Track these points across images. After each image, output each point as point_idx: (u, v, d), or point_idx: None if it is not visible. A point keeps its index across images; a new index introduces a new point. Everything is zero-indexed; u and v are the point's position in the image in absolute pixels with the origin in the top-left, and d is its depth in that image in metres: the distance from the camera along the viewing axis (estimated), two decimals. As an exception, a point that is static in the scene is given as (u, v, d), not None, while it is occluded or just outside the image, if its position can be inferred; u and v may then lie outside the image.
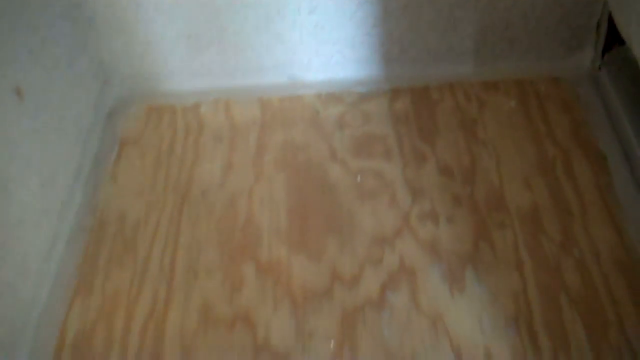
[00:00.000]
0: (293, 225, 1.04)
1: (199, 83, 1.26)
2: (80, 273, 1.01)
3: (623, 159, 1.06)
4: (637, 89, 1.10)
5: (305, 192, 1.08)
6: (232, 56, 1.22)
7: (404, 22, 1.17)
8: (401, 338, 0.90)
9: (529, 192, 1.04)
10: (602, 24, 1.15)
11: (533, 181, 1.05)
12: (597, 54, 1.18)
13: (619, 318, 0.89)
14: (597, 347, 0.86)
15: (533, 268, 0.95)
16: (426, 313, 0.92)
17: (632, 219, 0.99)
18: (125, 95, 1.26)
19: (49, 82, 1.04)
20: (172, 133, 1.20)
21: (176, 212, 1.08)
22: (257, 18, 1.17)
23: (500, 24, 1.17)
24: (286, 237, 1.02)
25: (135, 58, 1.22)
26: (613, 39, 1.14)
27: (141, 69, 1.24)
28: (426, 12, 1.16)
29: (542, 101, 1.17)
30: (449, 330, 0.90)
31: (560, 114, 1.15)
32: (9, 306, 0.90)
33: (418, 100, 1.20)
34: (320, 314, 0.93)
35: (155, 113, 1.24)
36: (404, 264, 0.97)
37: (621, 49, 1.14)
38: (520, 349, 0.87)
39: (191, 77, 1.26)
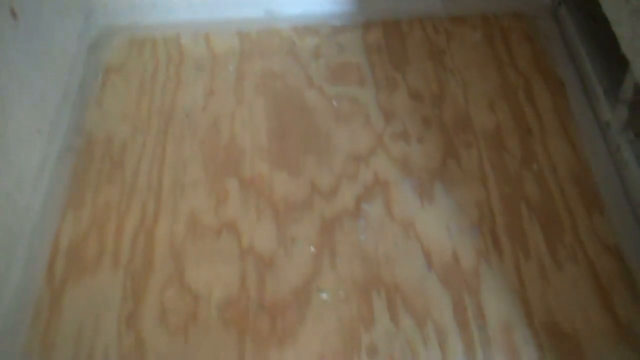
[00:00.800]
0: (273, 145, 1.10)
1: (179, 16, 1.31)
2: (71, 188, 1.06)
3: (579, 85, 1.15)
4: (593, 22, 1.17)
5: (284, 115, 1.14)
6: (211, -11, 1.28)
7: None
8: (376, 243, 0.98)
9: (492, 114, 1.12)
10: (562, -40, 1.23)
11: (496, 105, 1.13)
12: (557, -10, 1.27)
13: (573, 223, 0.98)
14: (553, 247, 0.95)
15: (496, 181, 1.03)
16: (399, 221, 1.00)
17: (586, 137, 1.08)
18: (108, 26, 1.30)
19: (39, 7, 1.08)
20: (154, 62, 1.25)
21: (161, 133, 1.13)
22: (237, -49, 1.22)
23: (468, -40, 1.24)
24: (267, 155, 1.09)
25: (118, -11, 1.26)
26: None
27: (124, 1, 1.28)
28: (398, -52, 1.23)
29: (505, 34, 1.25)
30: (419, 235, 0.98)
31: (522, 45, 1.23)
32: (7, 215, 0.96)
33: (389, 32, 1.27)
34: (301, 222, 1.01)
35: (137, 44, 1.28)
36: (378, 178, 1.05)
37: (579, -15, 1.21)
38: (484, 250, 0.96)
39: (171, 10, 1.30)
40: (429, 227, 0.99)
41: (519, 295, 0.91)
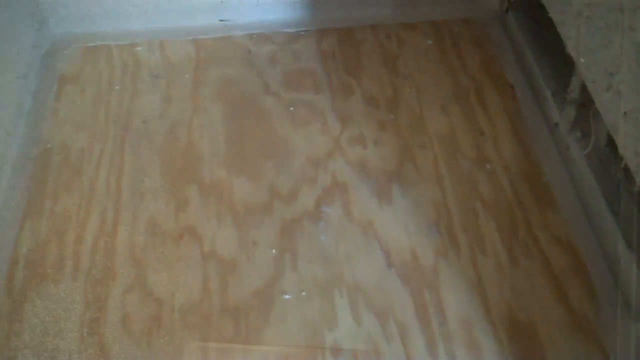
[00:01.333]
0: (232, 151, 1.11)
1: (134, 24, 1.31)
2: (29, 197, 1.05)
3: (528, 88, 1.20)
4: (540, 27, 1.22)
5: (242, 122, 1.16)
6: (165, -3, 1.28)
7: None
8: (336, 244, 0.99)
9: (446, 117, 1.15)
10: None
11: (449, 108, 1.16)
12: (504, -4, 1.31)
13: (526, 219, 1.01)
14: (508, 244, 0.98)
15: (451, 181, 1.06)
16: (358, 222, 1.02)
17: (536, 138, 1.12)
18: (62, 35, 1.30)
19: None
20: (109, 71, 1.24)
21: (119, 141, 1.13)
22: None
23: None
24: (226, 161, 1.10)
25: (71, -1, 1.26)
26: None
27: (77, 10, 1.28)
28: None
29: (455, 40, 1.28)
30: (379, 235, 1.00)
31: (472, 50, 1.26)
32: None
33: (343, 40, 1.30)
34: (261, 226, 1.02)
35: (91, 52, 1.28)
36: (337, 182, 1.07)
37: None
38: (442, 247, 0.98)
39: (125, 19, 1.30)
40: (388, 227, 1.01)
41: (477, 290, 0.94)
